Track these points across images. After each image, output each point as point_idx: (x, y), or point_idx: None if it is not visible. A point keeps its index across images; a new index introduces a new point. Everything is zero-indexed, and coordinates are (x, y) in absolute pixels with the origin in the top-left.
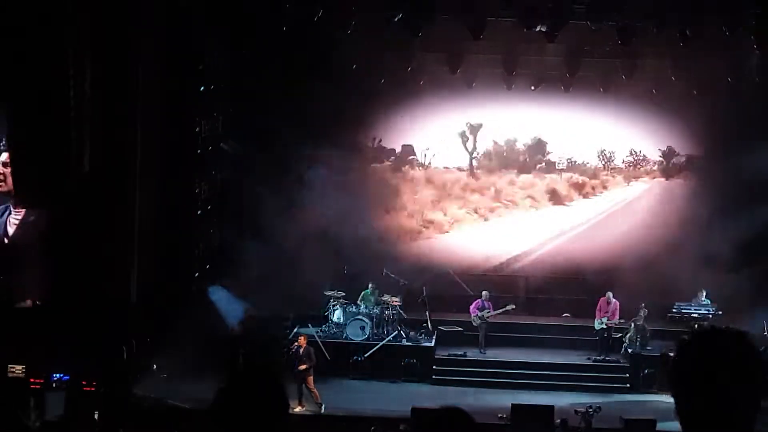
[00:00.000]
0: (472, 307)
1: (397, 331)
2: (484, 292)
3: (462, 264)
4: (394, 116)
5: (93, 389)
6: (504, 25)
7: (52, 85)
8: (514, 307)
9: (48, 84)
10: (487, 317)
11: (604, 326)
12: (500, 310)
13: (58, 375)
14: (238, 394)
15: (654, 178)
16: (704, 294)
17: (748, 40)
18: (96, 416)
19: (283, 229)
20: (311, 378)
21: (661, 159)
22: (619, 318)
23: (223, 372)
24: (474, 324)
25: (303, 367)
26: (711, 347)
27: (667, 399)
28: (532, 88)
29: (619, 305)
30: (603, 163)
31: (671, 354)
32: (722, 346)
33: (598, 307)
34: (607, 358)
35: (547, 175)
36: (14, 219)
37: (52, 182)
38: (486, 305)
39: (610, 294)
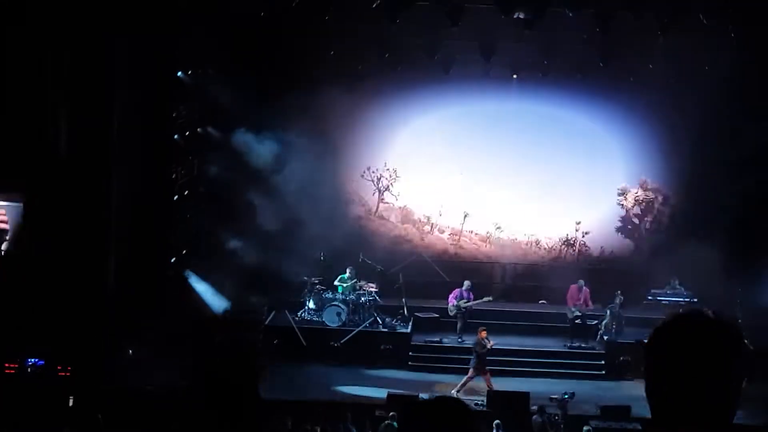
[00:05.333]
0: (450, 296)
1: (373, 318)
2: (465, 282)
3: (439, 250)
4: (371, 103)
5: (68, 374)
6: (482, 11)
7: (28, 69)
8: (491, 298)
9: (24, 68)
10: (464, 307)
11: (578, 313)
12: (477, 302)
13: (32, 360)
14: (210, 380)
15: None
16: (677, 281)
17: (726, 27)
18: (71, 401)
19: (260, 215)
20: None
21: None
22: (591, 305)
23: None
24: (450, 313)
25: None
26: (685, 332)
27: (641, 385)
28: (514, 76)
29: (593, 292)
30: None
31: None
32: (697, 331)
33: (569, 294)
34: (583, 345)
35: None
36: None
37: (28, 167)
38: (465, 295)
39: (581, 281)
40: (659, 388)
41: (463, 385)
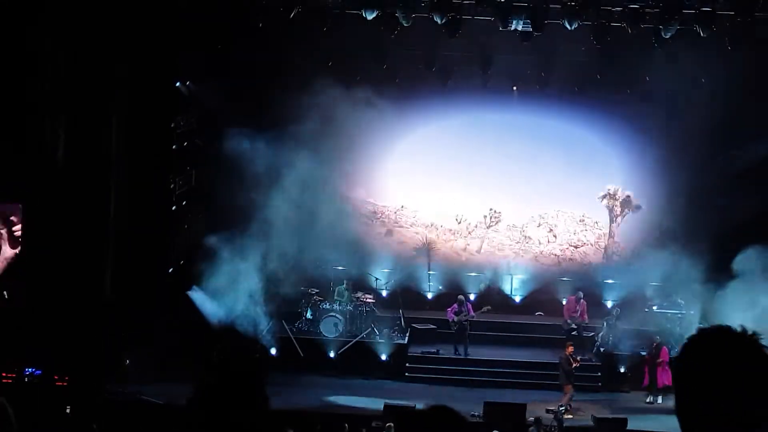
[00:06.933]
0: (448, 310)
1: (370, 328)
2: (459, 297)
3: (436, 260)
4: (369, 113)
5: (65, 384)
6: (480, 23)
7: (26, 77)
8: (489, 308)
9: (22, 76)
10: (464, 320)
11: (574, 325)
12: (476, 313)
13: (30, 369)
14: (218, 390)
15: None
16: (679, 296)
17: (722, 40)
18: (68, 411)
19: (257, 225)
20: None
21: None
22: (587, 318)
23: (200, 369)
24: (452, 329)
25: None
26: (716, 346)
27: (638, 397)
28: (514, 88)
29: (590, 305)
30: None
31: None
32: (728, 345)
33: (567, 306)
34: (580, 357)
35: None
36: None
37: (26, 176)
38: (462, 309)
39: (580, 293)
40: (689, 404)
41: (569, 403)
